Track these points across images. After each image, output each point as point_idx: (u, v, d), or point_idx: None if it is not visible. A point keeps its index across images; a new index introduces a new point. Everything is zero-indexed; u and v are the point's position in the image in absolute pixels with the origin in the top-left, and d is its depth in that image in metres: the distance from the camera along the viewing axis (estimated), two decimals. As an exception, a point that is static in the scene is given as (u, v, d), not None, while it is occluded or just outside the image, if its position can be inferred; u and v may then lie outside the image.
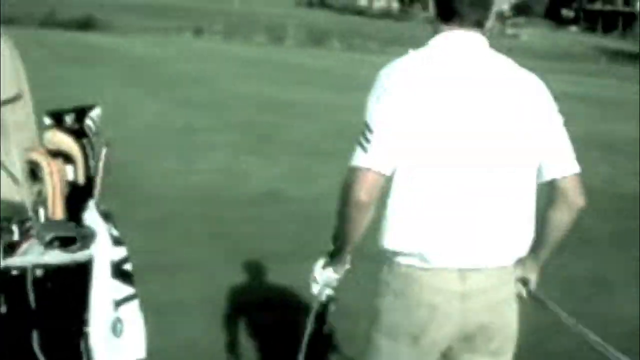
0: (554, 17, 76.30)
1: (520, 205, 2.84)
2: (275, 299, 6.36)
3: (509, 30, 59.47)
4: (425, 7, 65.11)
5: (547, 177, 2.86)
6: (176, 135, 13.73)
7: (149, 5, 53.00)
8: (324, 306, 3.06)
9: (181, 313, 5.96)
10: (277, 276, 6.69)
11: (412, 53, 2.85)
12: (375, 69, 2.94)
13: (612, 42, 61.11)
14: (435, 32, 2.90)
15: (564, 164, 2.87)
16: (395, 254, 2.82)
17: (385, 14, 64.99)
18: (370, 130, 2.71)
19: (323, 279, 3.06)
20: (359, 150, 2.72)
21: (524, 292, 3.07)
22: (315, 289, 3.08)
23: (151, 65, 25.21)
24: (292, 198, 9.77)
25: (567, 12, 78.42)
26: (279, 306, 6.21)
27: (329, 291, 3.05)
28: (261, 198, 9.68)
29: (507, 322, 2.94)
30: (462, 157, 2.73)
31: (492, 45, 2.90)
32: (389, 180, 2.74)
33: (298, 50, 40.41)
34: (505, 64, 2.86)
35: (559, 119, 2.88)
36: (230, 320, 5.82)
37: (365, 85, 3.01)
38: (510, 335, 2.96)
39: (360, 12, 65.50)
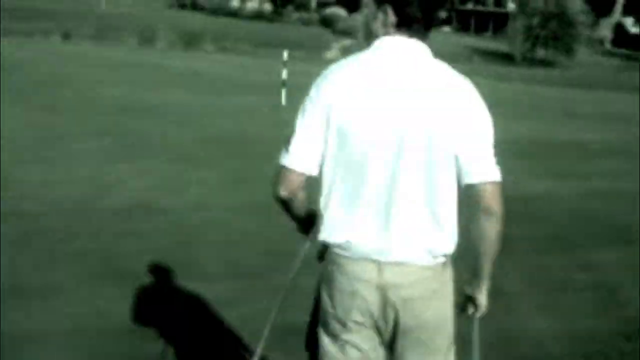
0: (425, 17, 77.28)
1: (438, 204, 2.94)
2: (152, 325, 5.85)
3: (382, 31, 59.59)
4: (298, 9, 65.18)
5: (464, 181, 2.93)
6: (40, 143, 13.02)
7: (14, 8, 51.25)
8: (321, 251, 3.14)
9: (43, 345, 5.42)
10: (151, 298, 6.28)
11: (350, 58, 3.01)
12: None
13: (485, 42, 62.20)
14: (377, 34, 3.00)
15: (482, 171, 2.93)
16: (326, 245, 3.02)
17: (258, 16, 64.48)
18: (294, 133, 2.96)
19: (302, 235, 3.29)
20: (283, 150, 2.98)
21: (470, 310, 3.21)
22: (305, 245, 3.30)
23: (15, 69, 24.04)
24: (164, 209, 9.29)
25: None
26: (156, 333, 5.71)
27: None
28: (132, 210, 9.15)
29: (423, 319, 3.00)
30: (382, 157, 2.89)
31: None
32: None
33: (170, 52, 39.82)
34: (442, 70, 2.98)
35: (485, 128, 2.97)
36: (101, 353, 5.34)
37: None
38: (436, 330, 3.05)
39: (232, 13, 64.76)
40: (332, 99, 2.89)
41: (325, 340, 3.09)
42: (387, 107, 2.88)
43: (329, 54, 50.14)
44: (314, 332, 3.18)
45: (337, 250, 2.98)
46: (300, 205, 3.09)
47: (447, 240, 2.99)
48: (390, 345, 3.07)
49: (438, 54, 3.07)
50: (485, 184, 2.93)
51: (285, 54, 20.99)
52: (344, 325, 3.01)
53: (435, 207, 2.94)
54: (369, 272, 2.94)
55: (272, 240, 8.14)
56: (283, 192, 3.00)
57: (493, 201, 2.93)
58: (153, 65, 29.95)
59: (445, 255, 3.02)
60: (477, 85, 3.08)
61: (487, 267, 3.11)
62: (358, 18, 62.45)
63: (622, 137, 18.73)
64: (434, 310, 3.03)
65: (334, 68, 2.98)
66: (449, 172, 2.93)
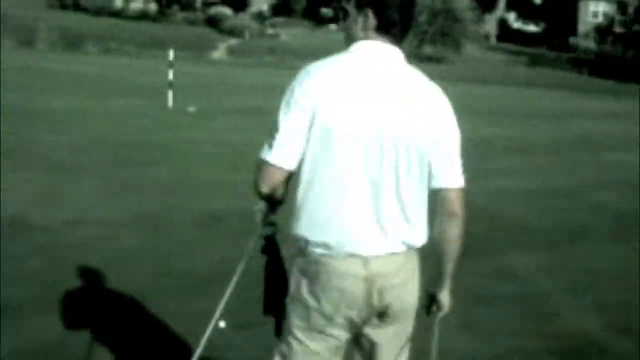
0: (313, 16, 77.75)
1: (410, 203, 3.07)
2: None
3: (269, 30, 59.72)
4: (183, 8, 64.27)
5: (432, 185, 3.12)
6: None
7: None
8: (269, 239, 3.28)
9: None
10: (17, 334, 5.48)
11: (331, 58, 3.08)
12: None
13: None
14: (357, 37, 3.11)
15: (449, 176, 3.14)
16: (306, 242, 3.08)
17: (142, 16, 63.26)
18: (277, 130, 3.00)
19: (258, 209, 3.33)
20: (265, 145, 3.04)
21: (433, 309, 3.39)
22: (257, 217, 3.35)
23: None
24: (37, 226, 8.40)
25: (325, 11, 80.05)
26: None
27: (270, 229, 3.30)
28: (2, 227, 8.18)
29: (406, 301, 3.19)
30: (363, 157, 2.99)
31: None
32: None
33: (50, 54, 38.87)
34: (417, 76, 3.12)
35: (453, 134, 3.16)
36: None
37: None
38: (409, 312, 3.24)
39: (116, 13, 63.31)
40: (317, 98, 2.96)
41: (300, 335, 3.16)
42: (368, 109, 2.98)
43: (216, 54, 49.60)
44: (273, 297, 3.27)
45: (318, 249, 3.07)
46: (277, 196, 3.16)
47: (419, 235, 3.15)
48: (367, 334, 3.21)
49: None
50: (451, 189, 3.15)
51: (171, 55, 20.74)
52: (330, 319, 3.11)
53: (407, 205, 3.07)
54: (355, 268, 3.06)
55: (161, 257, 7.57)
56: (265, 189, 3.08)
57: (457, 205, 3.16)
58: (32, 68, 29.01)
59: (416, 247, 3.18)
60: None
61: (449, 267, 3.29)
62: (244, 17, 62.00)
63: (521, 132, 18.91)
64: (412, 292, 3.21)
65: (315, 67, 3.06)
66: (422, 174, 3.10)
